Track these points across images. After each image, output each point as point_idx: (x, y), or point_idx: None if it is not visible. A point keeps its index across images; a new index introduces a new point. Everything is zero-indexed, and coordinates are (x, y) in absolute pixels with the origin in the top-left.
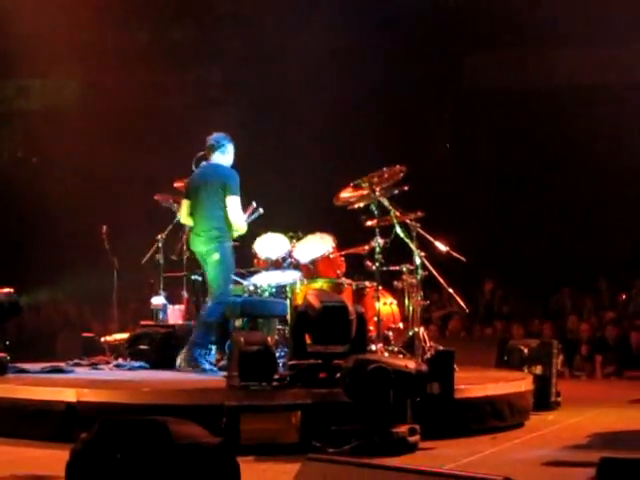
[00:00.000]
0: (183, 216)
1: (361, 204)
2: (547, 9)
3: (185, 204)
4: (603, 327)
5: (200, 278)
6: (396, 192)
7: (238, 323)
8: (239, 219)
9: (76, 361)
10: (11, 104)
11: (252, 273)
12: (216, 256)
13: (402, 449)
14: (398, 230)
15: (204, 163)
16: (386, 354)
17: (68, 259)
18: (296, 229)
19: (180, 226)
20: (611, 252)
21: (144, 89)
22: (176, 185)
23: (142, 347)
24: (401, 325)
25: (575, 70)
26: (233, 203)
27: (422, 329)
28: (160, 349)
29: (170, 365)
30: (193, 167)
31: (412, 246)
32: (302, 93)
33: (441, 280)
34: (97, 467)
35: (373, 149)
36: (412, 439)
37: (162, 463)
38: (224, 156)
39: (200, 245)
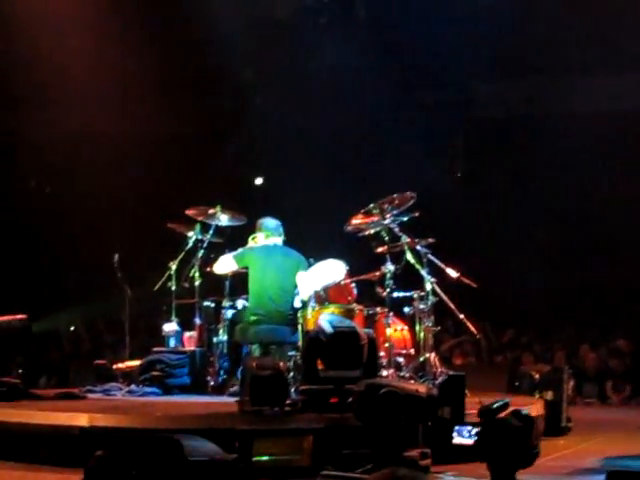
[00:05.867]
0: (223, 269)
1: (372, 230)
2: (559, 38)
3: (231, 263)
4: (612, 354)
5: (212, 305)
6: (406, 219)
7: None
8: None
9: (89, 387)
10: (16, 135)
11: None
12: None
13: None
14: (409, 256)
15: (270, 243)
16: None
17: (81, 287)
18: (308, 256)
19: (192, 253)
20: (621, 280)
21: (159, 117)
22: (189, 213)
23: (154, 373)
24: (412, 351)
25: (590, 98)
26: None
27: (433, 355)
28: (172, 375)
29: (182, 391)
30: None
31: (423, 272)
32: (314, 121)
33: (452, 306)
34: None
35: (384, 175)
36: (423, 463)
37: (176, 478)
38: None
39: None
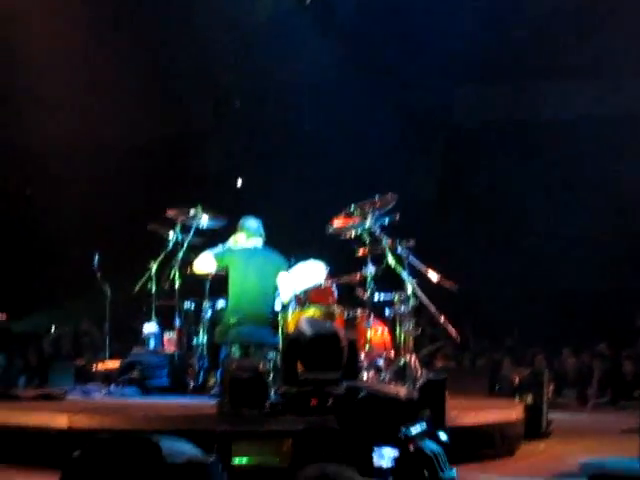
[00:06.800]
0: (202, 266)
1: (353, 232)
2: (539, 42)
3: (212, 261)
4: (595, 357)
5: (192, 306)
6: (388, 221)
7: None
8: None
9: (68, 388)
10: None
11: None
12: None
13: None
14: (390, 259)
15: (251, 245)
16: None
17: (61, 288)
18: (289, 257)
19: (172, 255)
20: (605, 286)
21: (139, 119)
22: (169, 214)
23: (134, 374)
24: (392, 354)
25: (567, 103)
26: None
27: (414, 358)
28: (152, 376)
29: (162, 392)
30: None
31: (403, 275)
32: (294, 123)
33: (432, 309)
34: None
35: (365, 177)
36: None
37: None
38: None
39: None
